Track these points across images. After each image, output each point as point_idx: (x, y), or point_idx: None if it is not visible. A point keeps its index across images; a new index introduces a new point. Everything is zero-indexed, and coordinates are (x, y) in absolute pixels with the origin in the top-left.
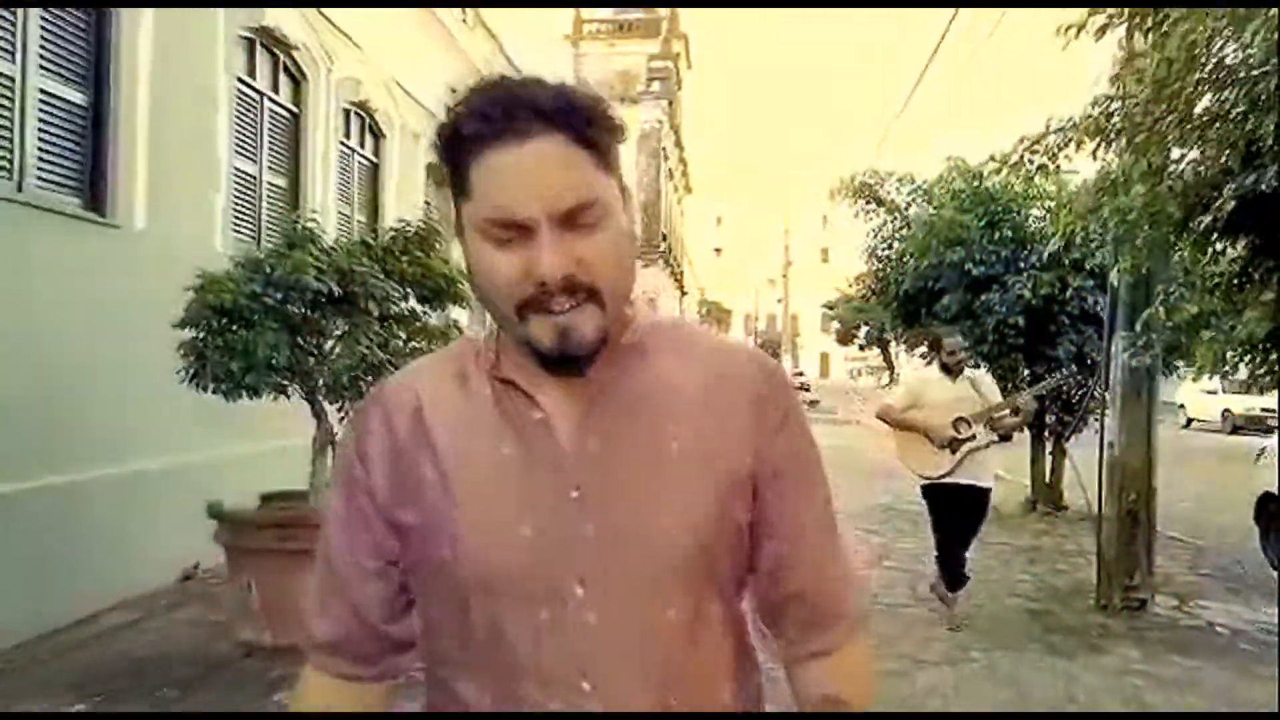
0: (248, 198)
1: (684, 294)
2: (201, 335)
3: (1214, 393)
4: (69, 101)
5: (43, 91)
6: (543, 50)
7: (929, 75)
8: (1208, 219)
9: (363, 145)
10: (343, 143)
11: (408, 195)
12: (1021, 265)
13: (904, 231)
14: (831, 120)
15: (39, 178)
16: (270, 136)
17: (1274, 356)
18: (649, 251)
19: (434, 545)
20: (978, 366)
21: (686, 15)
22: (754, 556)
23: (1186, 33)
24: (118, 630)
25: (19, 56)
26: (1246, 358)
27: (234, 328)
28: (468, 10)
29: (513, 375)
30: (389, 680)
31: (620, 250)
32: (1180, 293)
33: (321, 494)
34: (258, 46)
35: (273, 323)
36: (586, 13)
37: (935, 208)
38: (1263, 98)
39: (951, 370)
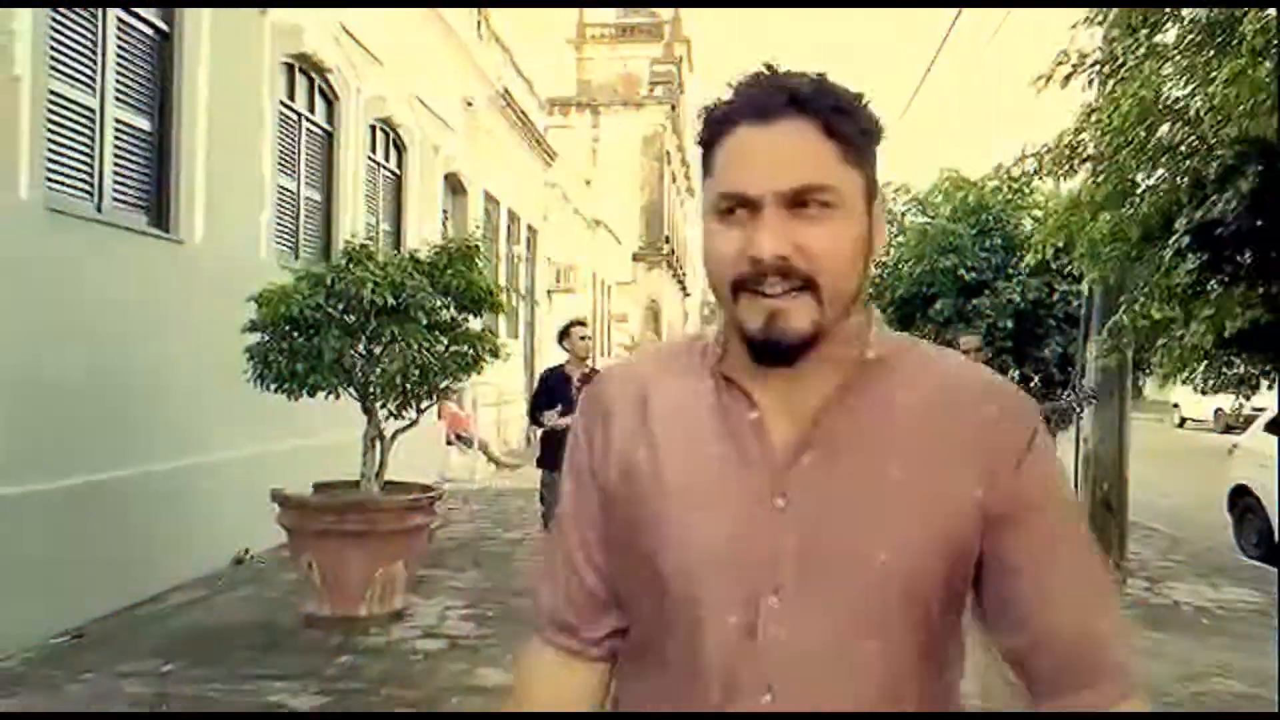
0: (288, 211)
1: (687, 295)
2: (267, 340)
3: (1207, 392)
4: (138, 128)
5: (118, 121)
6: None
7: (929, 80)
8: (1164, 242)
9: (387, 159)
10: (370, 157)
11: (427, 204)
12: (1011, 271)
13: (900, 239)
14: None
15: (114, 198)
16: (307, 154)
17: (1222, 363)
18: (653, 254)
19: (638, 533)
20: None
21: (689, 19)
22: (990, 599)
23: (1145, 81)
24: (187, 606)
25: (99, 89)
26: (1199, 364)
27: (297, 335)
28: (482, 26)
29: (735, 373)
30: (611, 660)
31: (846, 246)
32: (1143, 301)
33: (371, 482)
34: (297, 71)
35: (335, 330)
36: (590, 17)
37: (930, 217)
38: (1210, 140)
39: None
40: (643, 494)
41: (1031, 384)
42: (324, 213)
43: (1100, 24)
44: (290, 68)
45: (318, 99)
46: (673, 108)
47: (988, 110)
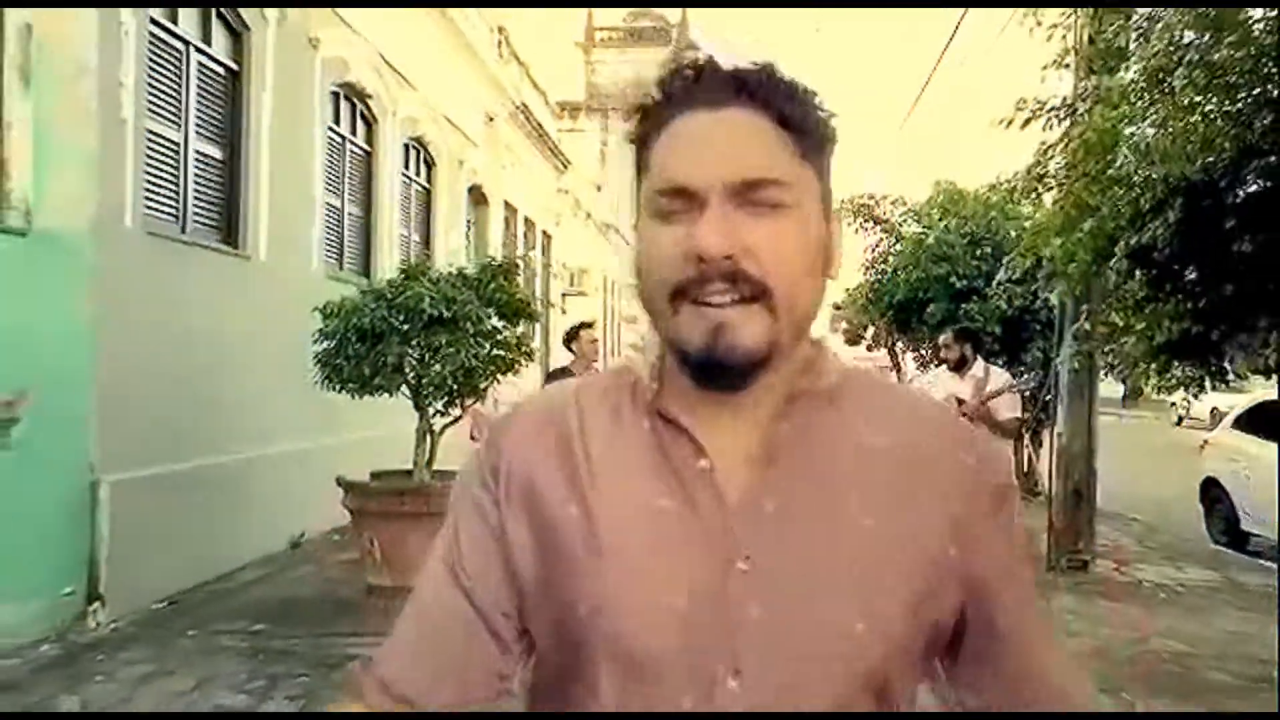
0: (334, 226)
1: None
2: (333, 347)
3: (1203, 392)
4: (212, 157)
5: (197, 152)
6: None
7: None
8: (1111, 264)
9: (418, 174)
10: (403, 173)
11: (454, 215)
12: (999, 279)
13: (897, 247)
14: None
15: (194, 220)
16: (350, 173)
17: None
18: None
19: (564, 598)
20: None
21: (696, 23)
22: (967, 660)
23: (1095, 121)
24: (259, 580)
25: (183, 125)
26: (1145, 367)
27: (360, 343)
28: (502, 45)
29: (676, 412)
30: None
31: (800, 251)
32: (1102, 311)
33: (423, 470)
34: (342, 99)
35: (395, 338)
36: (599, 20)
37: (924, 227)
38: (1152, 175)
39: (951, 365)
40: (573, 558)
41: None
42: (364, 226)
43: (1068, 67)
44: (336, 95)
45: (359, 122)
46: None
47: (985, 119)
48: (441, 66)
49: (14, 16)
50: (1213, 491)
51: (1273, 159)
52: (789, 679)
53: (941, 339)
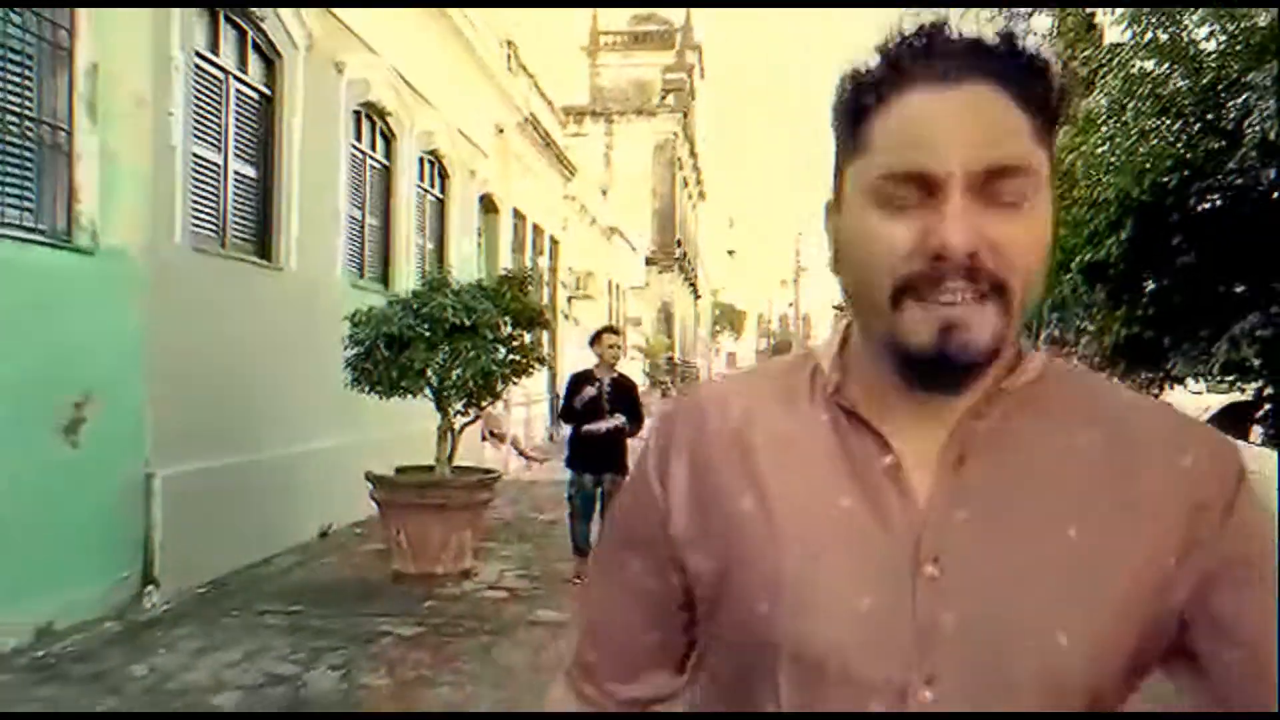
0: (356, 237)
1: (698, 297)
2: (363, 353)
3: (1199, 393)
4: (248, 177)
5: (235, 172)
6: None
7: None
8: (1067, 276)
9: (433, 185)
10: (419, 185)
11: (466, 223)
12: None
13: None
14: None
15: (233, 236)
16: (370, 187)
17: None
18: (665, 258)
19: (745, 594)
20: None
21: (700, 26)
22: (1215, 668)
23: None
24: (292, 567)
25: (223, 147)
26: (1106, 369)
27: (387, 349)
28: (511, 59)
29: (859, 405)
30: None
31: (1041, 244)
32: (1063, 316)
33: (444, 465)
34: (363, 117)
35: (421, 345)
36: (603, 24)
37: None
38: (1100, 199)
39: None
40: (752, 553)
41: None
42: (383, 236)
43: None
44: (358, 114)
45: (379, 139)
46: (684, 115)
47: None
48: (455, 82)
49: (83, 57)
50: None
51: (1215, 180)
52: (987, 692)
53: None
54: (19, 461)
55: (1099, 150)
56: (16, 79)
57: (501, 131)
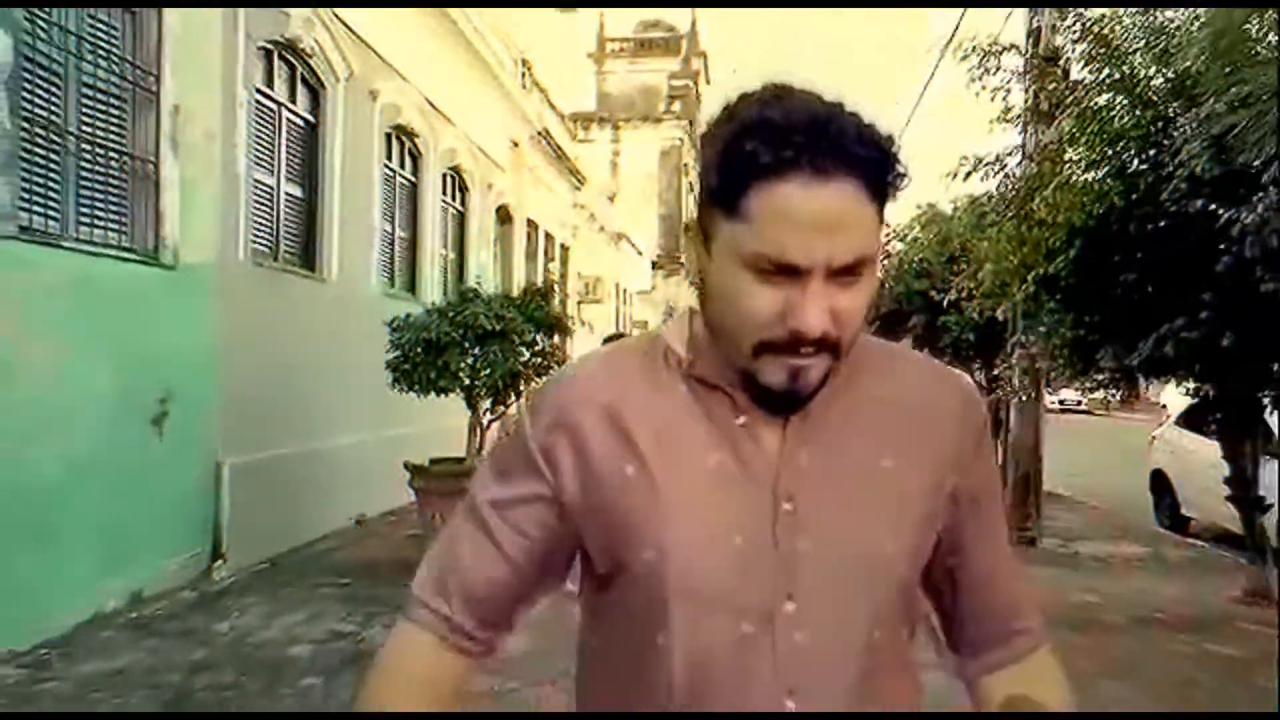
0: (387, 249)
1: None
2: (402, 356)
3: (1117, 391)
4: (296, 197)
5: (286, 193)
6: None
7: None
8: (1024, 288)
9: (454, 199)
10: (442, 199)
11: (483, 234)
12: (973, 293)
13: (885, 262)
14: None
15: (284, 251)
16: (399, 203)
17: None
18: (670, 262)
19: (632, 547)
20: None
21: (705, 31)
22: (939, 576)
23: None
24: (334, 549)
25: (276, 171)
26: (1064, 370)
27: (424, 352)
28: (525, 77)
29: (711, 377)
30: (479, 658)
31: (868, 303)
32: (1030, 325)
33: (475, 456)
34: (393, 138)
35: (456, 349)
36: (610, 31)
37: (907, 245)
38: (1058, 220)
39: None
40: (637, 511)
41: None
42: (410, 247)
43: (1010, 123)
44: (389, 136)
45: (407, 158)
46: (690, 122)
47: (977, 129)
48: (474, 101)
49: (167, 99)
50: (1159, 481)
51: (1150, 208)
52: (837, 597)
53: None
54: (118, 449)
55: (1055, 178)
56: (116, 119)
57: (516, 146)
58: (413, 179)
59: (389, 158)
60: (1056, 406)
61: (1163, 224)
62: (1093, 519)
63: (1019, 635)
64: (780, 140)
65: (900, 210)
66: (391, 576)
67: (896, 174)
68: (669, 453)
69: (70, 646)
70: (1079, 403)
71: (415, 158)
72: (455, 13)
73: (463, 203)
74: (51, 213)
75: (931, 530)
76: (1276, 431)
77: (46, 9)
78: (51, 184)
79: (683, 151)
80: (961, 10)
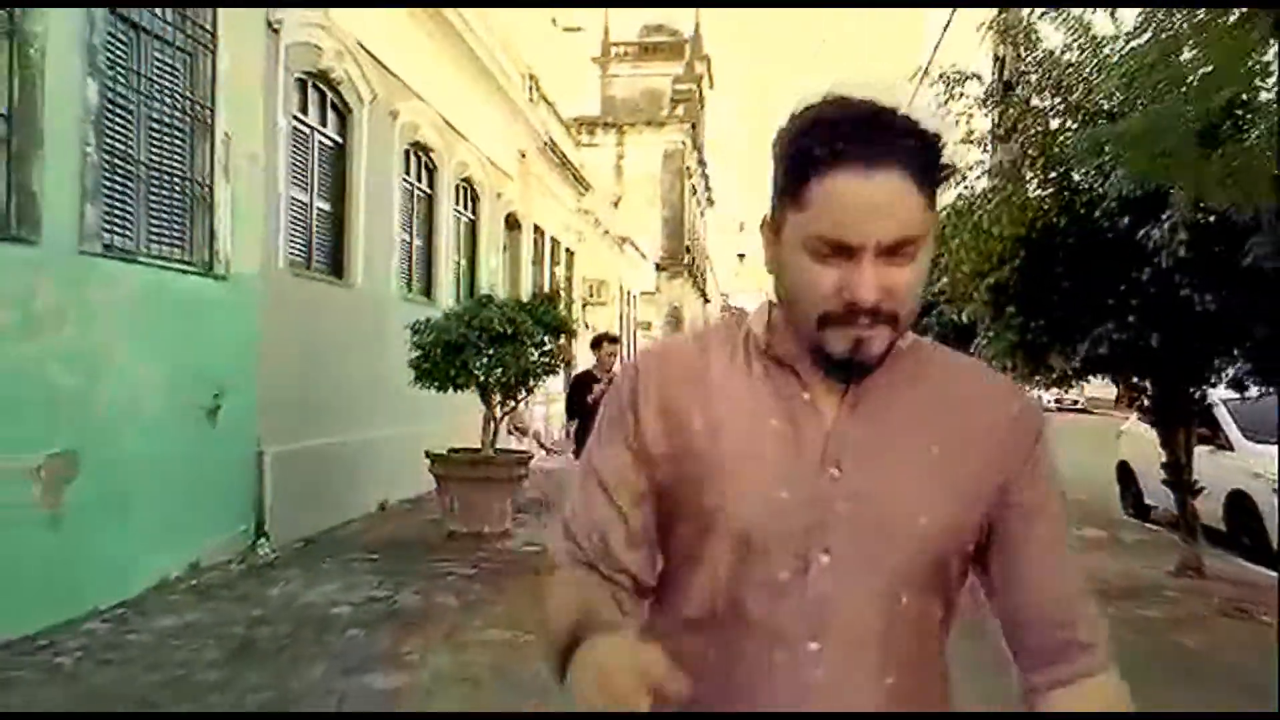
0: (406, 257)
1: (707, 301)
2: (423, 356)
3: (1071, 387)
4: (326, 211)
5: (318, 208)
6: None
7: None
8: (977, 294)
9: (466, 208)
10: (455, 209)
11: (493, 240)
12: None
13: None
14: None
15: (317, 260)
16: (417, 213)
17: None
18: (674, 264)
19: (696, 489)
20: None
21: (709, 36)
22: (995, 573)
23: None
24: (363, 531)
25: (309, 188)
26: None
27: (442, 353)
28: (532, 90)
29: (785, 357)
30: (636, 596)
31: (921, 279)
32: (988, 328)
33: (489, 447)
34: (411, 154)
35: (473, 350)
36: (614, 35)
37: None
38: (1004, 233)
39: None
40: (703, 458)
41: None
42: (426, 254)
43: (977, 143)
44: (408, 152)
45: (423, 171)
46: (693, 126)
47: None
48: (484, 116)
49: (219, 129)
50: (1124, 472)
51: (1087, 224)
52: (868, 556)
53: None
54: (180, 438)
55: (1009, 195)
56: (178, 148)
57: (524, 156)
58: (429, 191)
59: (407, 172)
60: (1054, 406)
61: (1096, 238)
62: (1070, 508)
63: (1078, 650)
64: (833, 136)
65: None
66: (415, 553)
67: (940, 165)
68: (736, 416)
69: (143, 607)
70: (1075, 402)
71: (431, 171)
72: (466, 31)
73: (474, 211)
74: (128, 232)
75: (971, 514)
76: (1231, 424)
77: (122, 53)
78: (127, 207)
79: (685, 155)
80: (936, 42)
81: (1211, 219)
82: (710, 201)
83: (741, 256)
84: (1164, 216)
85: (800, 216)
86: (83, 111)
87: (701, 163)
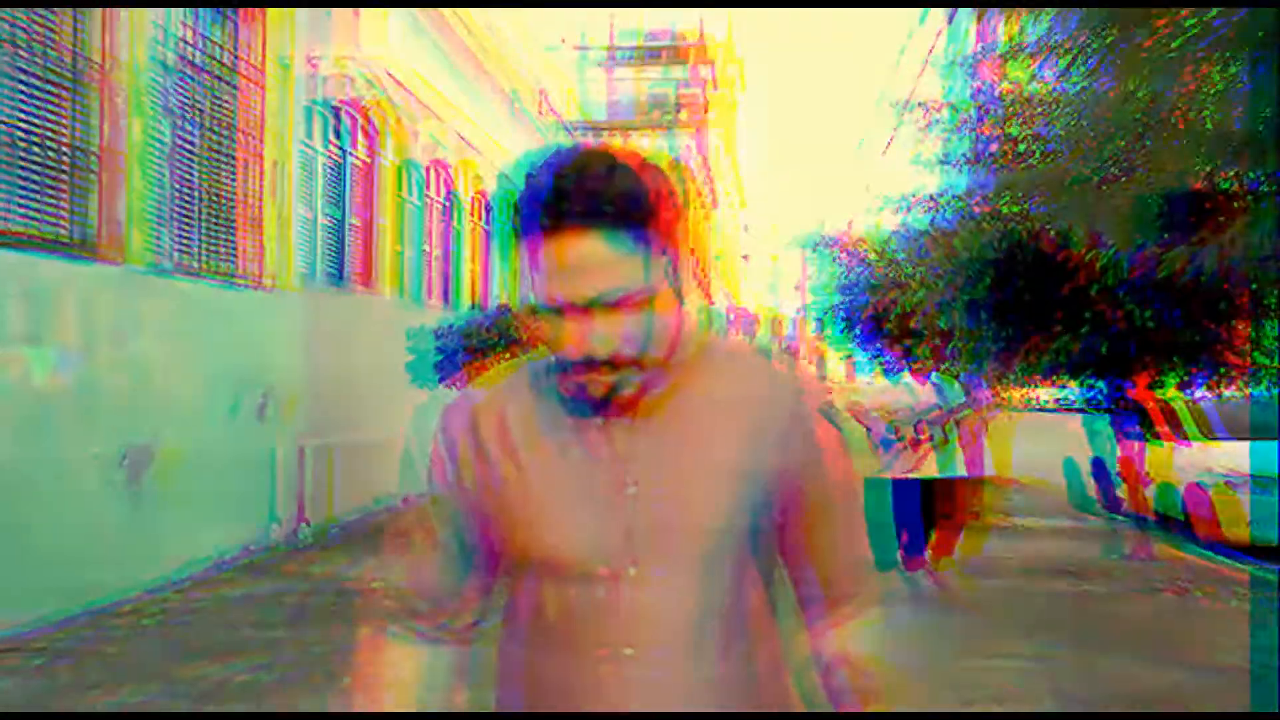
0: (427, 267)
1: (711, 304)
2: (447, 358)
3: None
4: (356, 226)
5: (350, 224)
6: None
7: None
8: (954, 309)
9: (481, 219)
10: (471, 219)
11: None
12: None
13: (864, 276)
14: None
15: (350, 272)
16: (437, 225)
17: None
18: None
19: (511, 529)
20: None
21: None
22: (785, 551)
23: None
24: (392, 516)
25: (342, 206)
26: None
27: (467, 355)
28: (543, 104)
29: (574, 389)
30: (470, 643)
31: (662, 319)
32: (961, 337)
33: None
34: (433, 171)
35: (493, 353)
36: (620, 40)
37: (885, 260)
38: (972, 255)
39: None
40: (514, 500)
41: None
42: (445, 264)
43: (955, 165)
44: (428, 169)
45: (442, 186)
46: (697, 129)
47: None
48: (497, 131)
49: (268, 156)
50: (1099, 468)
51: (1044, 246)
52: (670, 566)
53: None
54: (233, 432)
55: (975, 223)
56: (230, 175)
57: (530, 160)
58: (448, 204)
59: (427, 187)
60: (1053, 405)
61: (1052, 261)
62: (1040, 500)
63: (846, 602)
64: (540, 209)
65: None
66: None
67: (656, 213)
68: (539, 451)
69: (205, 580)
70: (1072, 403)
71: (449, 186)
72: (480, 52)
73: (487, 220)
74: (189, 251)
75: (760, 507)
76: (1191, 423)
77: (185, 94)
78: (189, 230)
79: (690, 159)
80: (919, 71)
81: (1149, 241)
82: (714, 203)
83: (746, 257)
84: (1108, 243)
85: (536, 276)
86: (157, 149)
87: (706, 167)
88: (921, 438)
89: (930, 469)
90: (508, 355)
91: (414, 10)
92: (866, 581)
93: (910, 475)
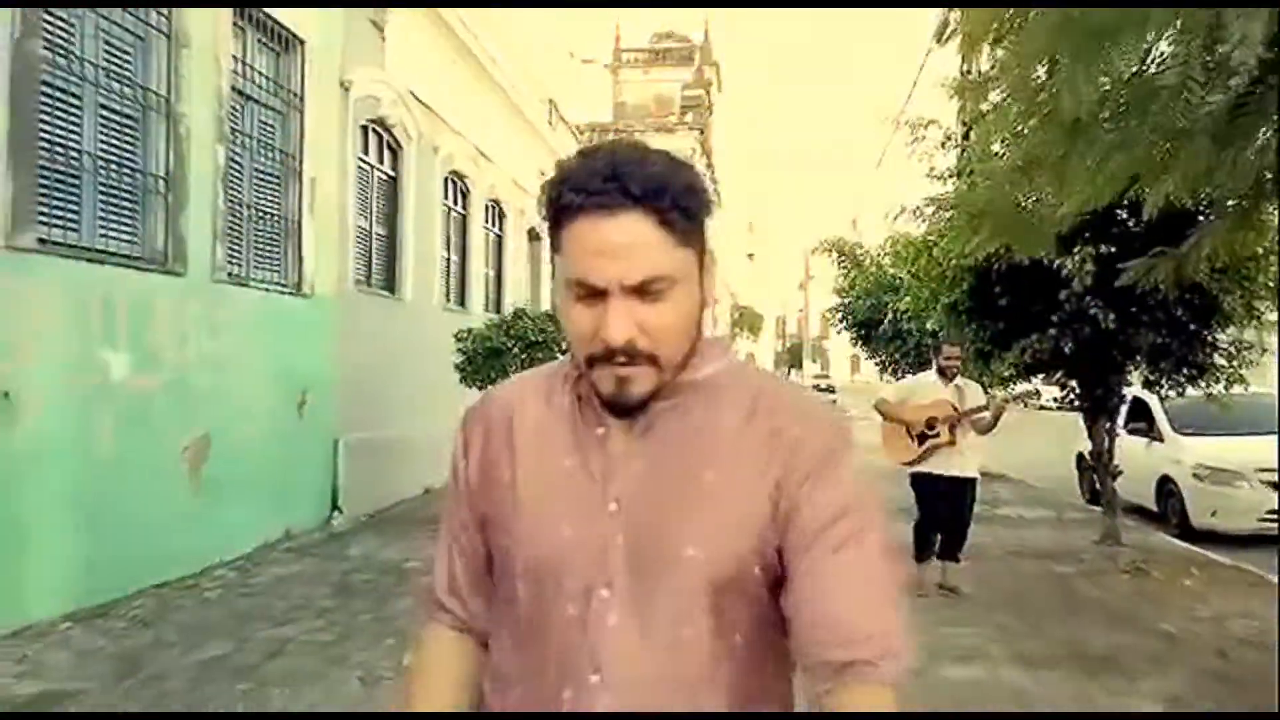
0: (444, 272)
1: (715, 302)
2: (468, 360)
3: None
4: (383, 236)
5: (376, 234)
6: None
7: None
8: (937, 312)
9: (495, 226)
10: (484, 227)
11: (518, 253)
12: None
13: (861, 280)
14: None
15: (375, 278)
16: (453, 232)
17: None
18: None
19: (500, 535)
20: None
21: (718, 42)
22: (783, 600)
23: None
24: (416, 509)
25: (369, 216)
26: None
27: (486, 357)
28: (551, 114)
29: (587, 392)
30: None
31: (683, 319)
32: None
33: None
34: (449, 180)
35: (509, 354)
36: (625, 42)
37: (880, 264)
38: (954, 261)
39: (946, 374)
40: (505, 508)
41: None
42: (461, 269)
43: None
44: (446, 180)
45: (458, 195)
46: (701, 131)
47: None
48: (510, 142)
49: (306, 173)
50: (1081, 462)
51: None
52: (643, 591)
53: (948, 349)
54: (277, 428)
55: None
56: (273, 191)
57: (544, 175)
58: (463, 211)
59: (445, 197)
60: (1053, 405)
61: (1025, 267)
62: (1024, 493)
63: (850, 668)
64: (576, 187)
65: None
66: None
67: (684, 205)
68: (537, 456)
69: (253, 562)
70: (1070, 401)
71: (464, 194)
72: (493, 67)
73: (501, 228)
74: (239, 262)
75: (746, 541)
76: (1162, 418)
77: (236, 120)
78: (239, 242)
79: (694, 159)
80: (910, 89)
81: (1114, 250)
82: (719, 204)
83: (750, 256)
84: (1074, 251)
85: (561, 261)
86: (214, 171)
87: (710, 167)
88: (957, 435)
89: (956, 466)
90: (524, 357)
91: (432, 30)
92: (875, 649)
93: (949, 473)
